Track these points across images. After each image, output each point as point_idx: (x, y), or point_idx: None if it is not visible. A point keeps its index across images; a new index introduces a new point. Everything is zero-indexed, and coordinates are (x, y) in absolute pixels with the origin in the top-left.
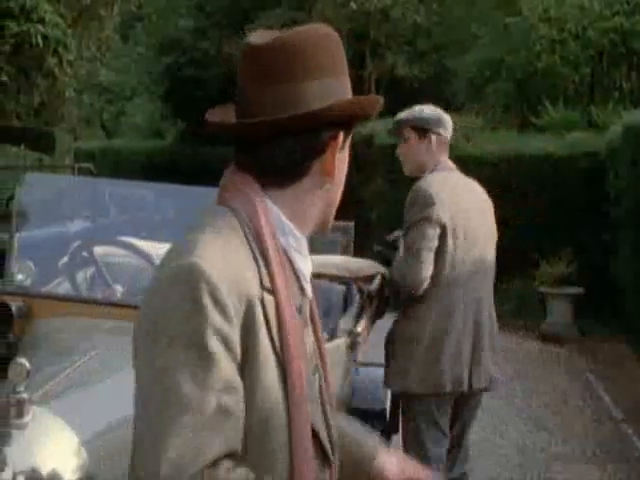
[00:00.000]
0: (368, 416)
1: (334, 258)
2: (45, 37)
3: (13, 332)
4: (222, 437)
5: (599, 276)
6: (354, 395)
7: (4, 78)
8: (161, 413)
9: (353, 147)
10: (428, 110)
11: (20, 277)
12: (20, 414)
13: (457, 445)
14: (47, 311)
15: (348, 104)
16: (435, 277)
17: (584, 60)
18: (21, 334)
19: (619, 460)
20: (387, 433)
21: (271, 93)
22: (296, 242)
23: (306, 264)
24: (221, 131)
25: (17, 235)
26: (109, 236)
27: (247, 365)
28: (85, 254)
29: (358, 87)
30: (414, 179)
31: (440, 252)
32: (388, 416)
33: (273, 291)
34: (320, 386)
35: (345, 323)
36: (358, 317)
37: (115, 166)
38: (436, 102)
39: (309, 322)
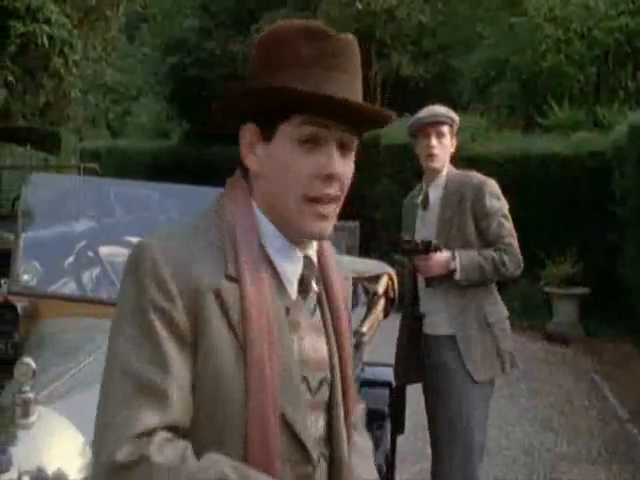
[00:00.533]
0: (374, 416)
1: (340, 258)
2: (51, 37)
3: (19, 332)
4: (153, 410)
5: (605, 276)
6: (360, 395)
7: (10, 78)
8: (105, 382)
9: (358, 147)
10: (453, 112)
11: (26, 277)
12: (26, 414)
13: None
14: (53, 311)
15: (242, 93)
16: None
17: (589, 60)
18: (27, 334)
19: (625, 460)
20: (393, 433)
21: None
22: (280, 243)
23: (293, 268)
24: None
25: (23, 235)
26: (115, 236)
27: (200, 348)
28: (91, 254)
29: (363, 87)
30: (419, 179)
31: None
32: (390, 415)
33: (239, 281)
34: (331, 397)
35: (351, 323)
36: (364, 317)
37: (120, 166)
38: (441, 102)
39: (322, 331)
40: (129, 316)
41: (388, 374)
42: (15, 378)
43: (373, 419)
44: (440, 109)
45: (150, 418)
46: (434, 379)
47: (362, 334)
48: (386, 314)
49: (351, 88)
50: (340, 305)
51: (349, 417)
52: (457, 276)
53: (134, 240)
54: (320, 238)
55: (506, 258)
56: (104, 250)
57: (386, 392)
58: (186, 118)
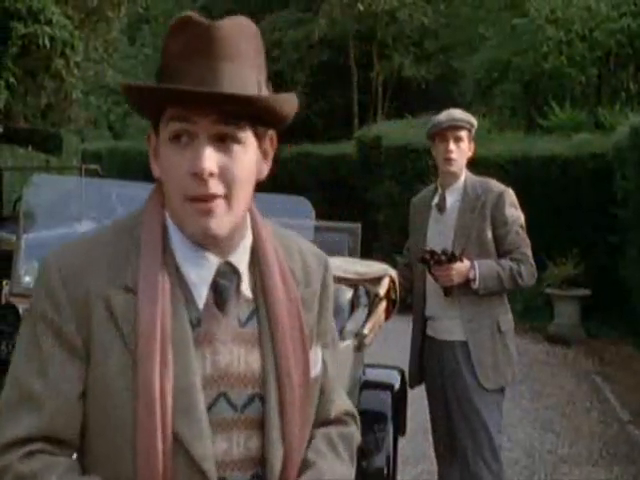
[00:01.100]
0: (376, 418)
1: (342, 260)
2: (52, 39)
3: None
4: (28, 420)
5: (606, 278)
6: (361, 397)
7: (11, 80)
8: (2, 391)
9: (360, 149)
10: (471, 117)
11: (27, 279)
12: None
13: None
14: None
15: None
16: None
17: (591, 61)
18: None
19: (626, 462)
20: (395, 435)
21: None
22: (187, 250)
23: (201, 275)
24: None
25: (24, 236)
26: None
27: (91, 358)
28: None
29: (365, 89)
30: (422, 181)
31: None
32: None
33: (135, 292)
34: (265, 415)
35: (352, 325)
36: (365, 319)
37: (122, 167)
38: (443, 103)
39: (257, 343)
40: (24, 327)
41: (389, 376)
42: None
43: (374, 421)
44: (459, 113)
45: (23, 429)
46: (447, 384)
47: (363, 336)
48: (387, 316)
49: (221, 76)
50: (280, 314)
51: (297, 437)
52: (475, 285)
53: None
54: (207, 237)
55: (522, 268)
56: None
57: (387, 394)
58: None
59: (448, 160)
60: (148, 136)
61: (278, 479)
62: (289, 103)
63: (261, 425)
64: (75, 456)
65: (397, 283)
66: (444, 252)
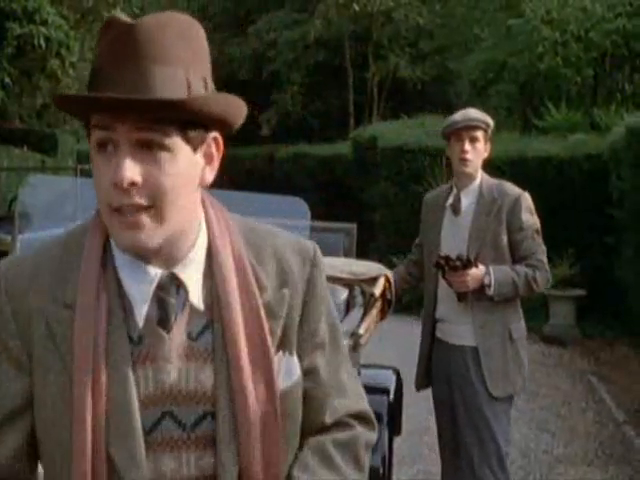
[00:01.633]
0: None
1: (337, 260)
2: (48, 39)
3: None
4: None
5: (602, 278)
6: None
7: (7, 80)
8: None
9: (356, 149)
10: (488, 117)
11: None
12: None
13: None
14: None
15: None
16: None
17: (586, 62)
18: None
19: (621, 462)
20: (390, 435)
21: None
22: (126, 263)
23: (141, 289)
24: None
25: (20, 237)
26: None
27: (34, 373)
28: None
29: (360, 89)
30: (417, 182)
31: None
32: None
33: (72, 308)
34: (216, 433)
35: (348, 325)
36: (361, 319)
37: None
38: (439, 104)
39: (210, 358)
40: None
41: (385, 376)
42: None
43: None
44: (475, 113)
45: None
46: (454, 389)
47: (359, 336)
48: (383, 316)
49: (143, 79)
50: (235, 325)
51: (261, 455)
52: (490, 291)
53: None
54: (136, 250)
55: (538, 274)
56: None
57: (383, 394)
58: None
59: (463, 160)
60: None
61: None
62: (220, 103)
63: (214, 444)
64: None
65: (392, 283)
66: (459, 258)
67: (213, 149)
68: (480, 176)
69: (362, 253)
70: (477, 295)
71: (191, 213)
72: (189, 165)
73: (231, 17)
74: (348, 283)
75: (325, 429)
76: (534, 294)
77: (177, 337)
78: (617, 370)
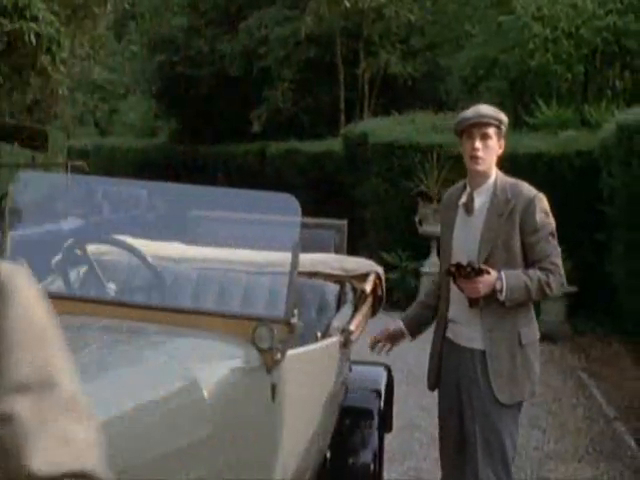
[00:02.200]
0: (362, 415)
1: (328, 256)
2: (38, 35)
3: None
4: None
5: (593, 275)
6: (347, 393)
7: None
8: None
9: (347, 146)
10: (502, 113)
11: None
12: None
13: None
14: None
15: None
16: None
17: (577, 59)
18: None
19: (612, 458)
20: (381, 432)
21: None
22: None
23: None
24: None
25: (10, 233)
26: (102, 234)
27: None
28: (78, 252)
29: (351, 86)
30: (408, 178)
31: None
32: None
33: None
34: None
35: (338, 321)
36: (352, 315)
37: (109, 164)
38: (429, 100)
39: None
40: None
41: (376, 372)
42: None
43: (361, 417)
44: (486, 109)
45: None
46: (462, 390)
47: (350, 332)
48: (374, 312)
49: None
50: None
51: None
52: (502, 297)
53: (122, 238)
54: None
55: (551, 279)
56: (92, 248)
57: (374, 390)
58: (174, 116)
59: (474, 158)
60: None
61: None
62: None
63: None
64: None
65: (383, 280)
66: (470, 264)
67: None
68: (495, 174)
69: (353, 249)
70: (488, 299)
71: None
72: None
73: (222, 13)
74: (339, 280)
75: None
76: (547, 298)
77: None
78: (608, 367)
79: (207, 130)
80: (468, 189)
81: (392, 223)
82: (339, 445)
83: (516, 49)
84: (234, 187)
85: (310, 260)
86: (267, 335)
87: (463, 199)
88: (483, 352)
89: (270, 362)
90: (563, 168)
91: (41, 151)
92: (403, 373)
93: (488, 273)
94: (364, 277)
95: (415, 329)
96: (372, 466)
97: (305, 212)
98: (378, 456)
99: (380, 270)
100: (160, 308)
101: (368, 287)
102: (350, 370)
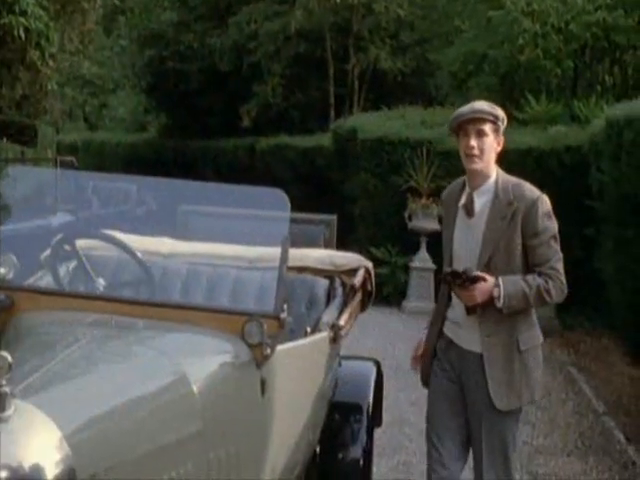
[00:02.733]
0: (351, 410)
1: (318, 252)
2: (27, 30)
3: None
4: None
5: (582, 270)
6: (337, 388)
7: None
8: None
9: (336, 141)
10: (499, 109)
11: (2, 270)
12: (2, 408)
13: None
14: (29, 304)
15: None
16: None
17: (567, 54)
18: (3, 328)
19: (600, 453)
20: (370, 426)
21: None
22: None
23: None
24: None
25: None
26: (92, 229)
27: None
28: (67, 247)
29: (341, 81)
30: (398, 174)
31: None
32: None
33: None
34: None
35: (328, 316)
36: (341, 310)
37: (98, 159)
38: (419, 96)
39: None
40: None
41: (365, 367)
42: None
43: (350, 412)
44: (482, 105)
45: None
46: (467, 393)
47: (339, 327)
48: (363, 307)
49: None
50: None
51: None
52: (500, 304)
53: (112, 233)
54: None
55: (551, 285)
56: (81, 243)
57: (363, 385)
58: (164, 111)
59: (469, 157)
60: None
61: None
62: None
63: None
64: None
65: (372, 275)
66: (465, 272)
67: None
68: (495, 174)
69: (342, 245)
70: (486, 305)
71: None
72: None
73: (212, 8)
74: (328, 275)
75: None
76: (547, 305)
77: None
78: (597, 361)
79: (197, 125)
80: (467, 189)
81: (381, 218)
82: (329, 440)
83: (505, 44)
84: (224, 182)
85: (300, 255)
86: (256, 330)
87: (462, 200)
88: (480, 355)
89: (260, 357)
90: (552, 163)
91: (30, 146)
92: (392, 368)
93: (484, 280)
94: (354, 272)
95: None
96: (362, 461)
97: (294, 207)
98: (368, 451)
99: (369, 265)
100: (149, 303)
101: (357, 282)
102: (340, 365)
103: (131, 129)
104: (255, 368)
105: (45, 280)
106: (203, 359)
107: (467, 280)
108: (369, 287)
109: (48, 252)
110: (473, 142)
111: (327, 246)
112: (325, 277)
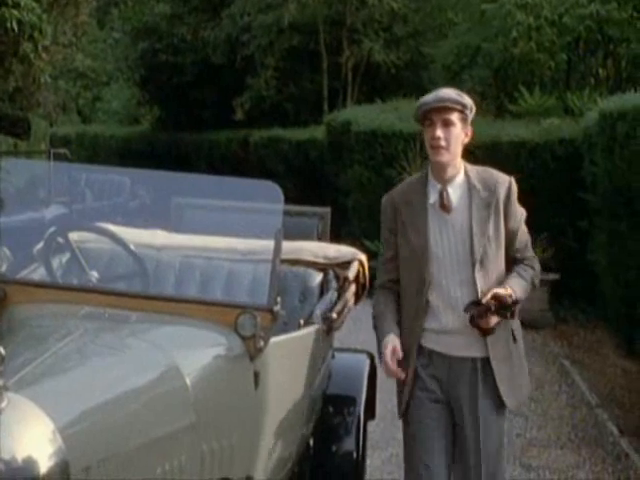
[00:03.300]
0: (345, 402)
1: (311, 244)
2: (20, 22)
3: None
4: None
5: (575, 262)
6: (330, 381)
7: None
8: None
9: (330, 134)
10: (466, 97)
11: None
12: None
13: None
14: (22, 297)
15: None
16: None
17: (560, 47)
18: None
19: (594, 445)
20: (364, 419)
21: None
22: None
23: None
24: None
25: None
26: (85, 222)
27: None
28: (61, 240)
29: (335, 74)
30: (391, 166)
31: None
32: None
33: None
34: None
35: (321, 309)
36: (335, 303)
37: (91, 152)
38: (412, 88)
39: None
40: None
41: (359, 360)
42: None
43: (344, 405)
44: (448, 92)
45: None
46: (461, 404)
47: (332, 320)
48: (357, 300)
49: None
50: None
51: None
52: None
53: (105, 226)
54: None
55: (537, 269)
56: (74, 236)
57: (357, 378)
58: (157, 104)
59: (435, 148)
60: None
61: None
62: None
63: None
64: None
65: (366, 267)
66: (487, 302)
67: None
68: (462, 165)
69: (336, 237)
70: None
71: None
72: None
73: (205, 1)
74: (322, 267)
75: None
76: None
77: None
78: (590, 354)
79: (190, 118)
80: (437, 186)
81: (375, 211)
82: (322, 432)
83: (499, 37)
84: (217, 174)
85: (293, 248)
86: (250, 323)
87: (432, 198)
88: (483, 359)
89: (253, 350)
90: (546, 156)
91: (23, 139)
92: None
93: (502, 302)
94: (347, 265)
95: None
96: (355, 453)
97: (288, 199)
98: (361, 443)
99: (363, 258)
100: (143, 296)
101: (351, 275)
102: (333, 357)
103: (125, 122)
104: (248, 361)
105: (38, 273)
106: (196, 352)
107: (491, 309)
108: (362, 280)
109: (41, 245)
110: (439, 132)
111: (321, 239)
112: (318, 270)
